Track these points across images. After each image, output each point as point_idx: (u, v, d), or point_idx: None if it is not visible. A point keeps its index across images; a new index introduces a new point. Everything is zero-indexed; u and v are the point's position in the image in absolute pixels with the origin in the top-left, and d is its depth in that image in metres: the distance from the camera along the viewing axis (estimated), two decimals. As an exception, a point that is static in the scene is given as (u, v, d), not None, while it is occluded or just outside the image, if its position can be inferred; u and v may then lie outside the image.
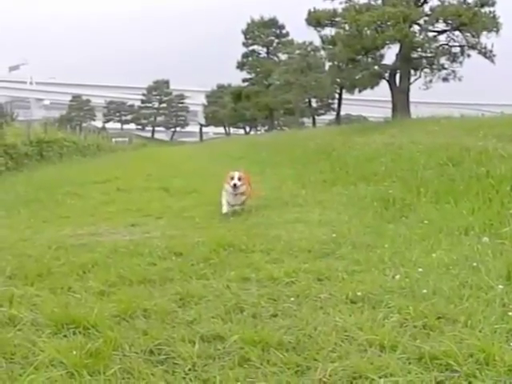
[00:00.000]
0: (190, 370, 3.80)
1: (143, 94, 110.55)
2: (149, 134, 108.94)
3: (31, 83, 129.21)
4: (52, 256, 7.04)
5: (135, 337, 4.31)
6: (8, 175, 19.72)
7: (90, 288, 5.61)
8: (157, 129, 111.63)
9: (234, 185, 9.81)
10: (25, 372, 3.75)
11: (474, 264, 5.85)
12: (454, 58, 30.29)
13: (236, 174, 10.02)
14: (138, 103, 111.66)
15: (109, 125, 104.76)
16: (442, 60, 30.49)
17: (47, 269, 6.36)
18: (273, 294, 5.27)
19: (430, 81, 31.03)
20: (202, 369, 3.80)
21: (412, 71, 30.79)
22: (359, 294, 5.08)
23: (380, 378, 3.55)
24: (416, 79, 31.06)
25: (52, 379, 3.62)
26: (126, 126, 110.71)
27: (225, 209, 9.86)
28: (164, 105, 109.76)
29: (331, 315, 4.64)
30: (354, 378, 3.60)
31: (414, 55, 30.46)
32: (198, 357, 3.94)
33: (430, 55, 30.33)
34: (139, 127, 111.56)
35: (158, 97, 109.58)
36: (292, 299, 5.08)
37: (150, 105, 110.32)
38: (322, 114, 65.98)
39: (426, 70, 30.85)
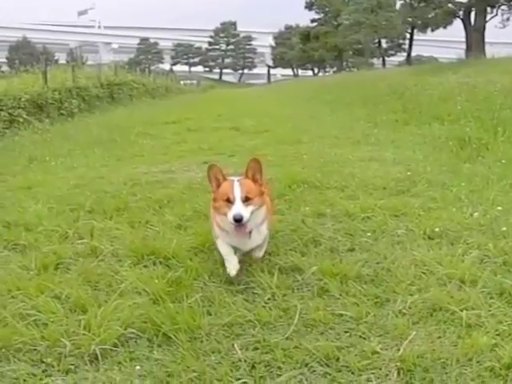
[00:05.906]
0: (269, 299, 3.86)
1: (210, 36, 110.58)
2: (216, 76, 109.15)
3: (99, 27, 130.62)
4: (128, 192, 7.22)
5: (214, 267, 4.40)
6: (81, 117, 20.08)
7: (166, 222, 5.74)
8: (224, 71, 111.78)
9: (238, 220, 4.03)
10: (110, 298, 3.87)
11: (557, 203, 5.72)
12: (535, -7, 28.96)
13: (237, 190, 4.16)
14: (205, 45, 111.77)
15: (176, 67, 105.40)
16: (522, -5, 29.23)
17: (124, 204, 6.54)
18: (349, 228, 5.28)
19: (508, 19, 29.86)
20: (282, 299, 3.85)
21: (488, 9, 29.55)
22: (437, 230, 5.03)
23: (461, 310, 3.52)
24: (492, 17, 29.88)
25: (137, 305, 3.73)
26: (193, 69, 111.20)
27: (233, 269, 4.15)
28: (231, 47, 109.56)
29: (409, 250, 4.63)
30: (434, 310, 3.59)
31: (492, -9, 29.26)
32: (277, 287, 3.99)
33: (508, -10, 29.10)
34: (207, 69, 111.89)
35: (225, 39, 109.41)
36: (368, 234, 5.08)
37: (218, 47, 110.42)
38: (392, 55, 64.72)
39: (503, 7, 29.61)
